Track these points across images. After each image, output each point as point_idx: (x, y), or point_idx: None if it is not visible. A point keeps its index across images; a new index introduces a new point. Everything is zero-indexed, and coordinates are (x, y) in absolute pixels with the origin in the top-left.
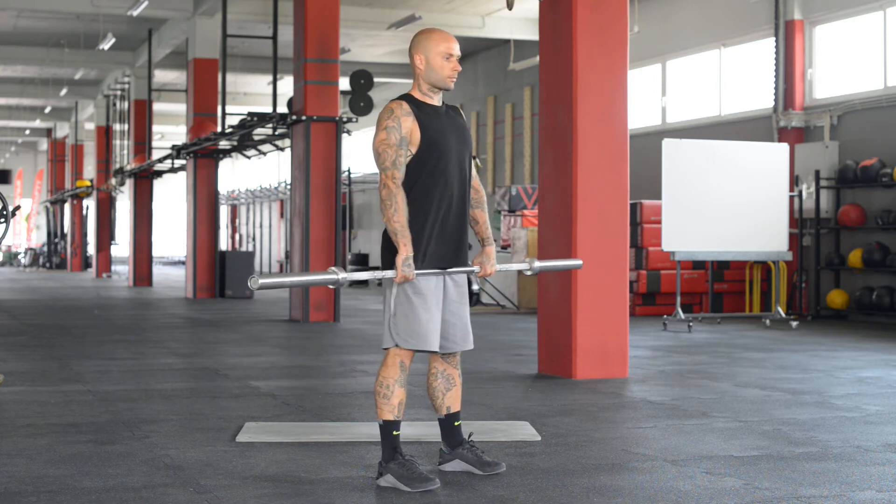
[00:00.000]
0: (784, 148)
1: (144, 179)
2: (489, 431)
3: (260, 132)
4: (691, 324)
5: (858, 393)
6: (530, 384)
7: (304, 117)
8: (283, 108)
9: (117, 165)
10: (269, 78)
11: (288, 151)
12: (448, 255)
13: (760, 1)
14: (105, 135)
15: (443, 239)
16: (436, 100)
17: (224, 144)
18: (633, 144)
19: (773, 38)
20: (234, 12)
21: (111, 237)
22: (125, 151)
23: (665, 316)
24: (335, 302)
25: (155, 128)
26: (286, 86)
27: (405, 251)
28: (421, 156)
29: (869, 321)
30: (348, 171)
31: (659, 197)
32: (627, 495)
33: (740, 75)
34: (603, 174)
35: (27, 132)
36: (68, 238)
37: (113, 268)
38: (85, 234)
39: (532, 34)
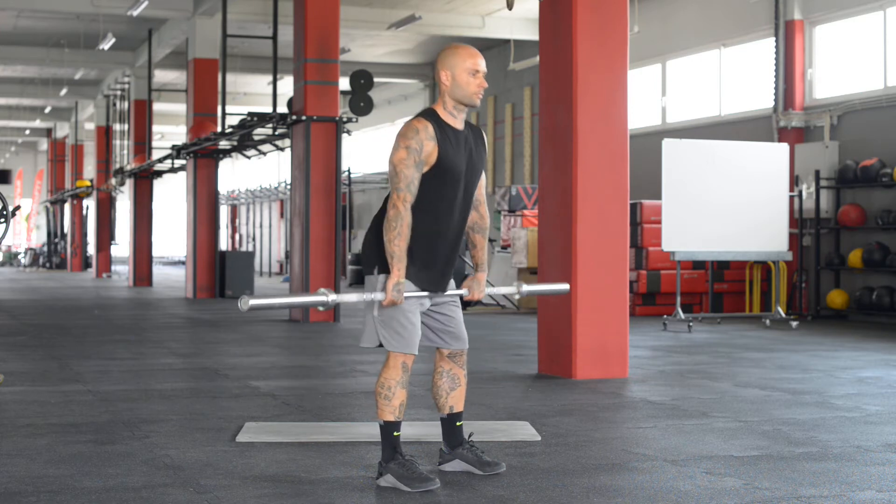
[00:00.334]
0: (784, 148)
1: (144, 179)
2: (489, 431)
3: (260, 132)
4: (691, 324)
5: (858, 393)
6: (530, 384)
7: (304, 117)
8: (283, 108)
9: (117, 165)
10: (269, 78)
11: (288, 151)
12: (434, 279)
13: (760, 1)
14: (105, 135)
15: (433, 263)
16: (459, 119)
17: (224, 144)
18: (633, 144)
19: (773, 38)
20: (234, 12)
21: (111, 237)
22: (125, 151)
23: (665, 316)
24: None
25: (155, 128)
26: (286, 86)
27: (397, 276)
28: (431, 178)
29: (869, 321)
30: (348, 171)
31: (659, 197)
32: (627, 495)
33: (740, 75)
34: (603, 174)
35: (27, 132)
36: (68, 238)
37: (113, 268)
38: (85, 234)
39: (532, 34)
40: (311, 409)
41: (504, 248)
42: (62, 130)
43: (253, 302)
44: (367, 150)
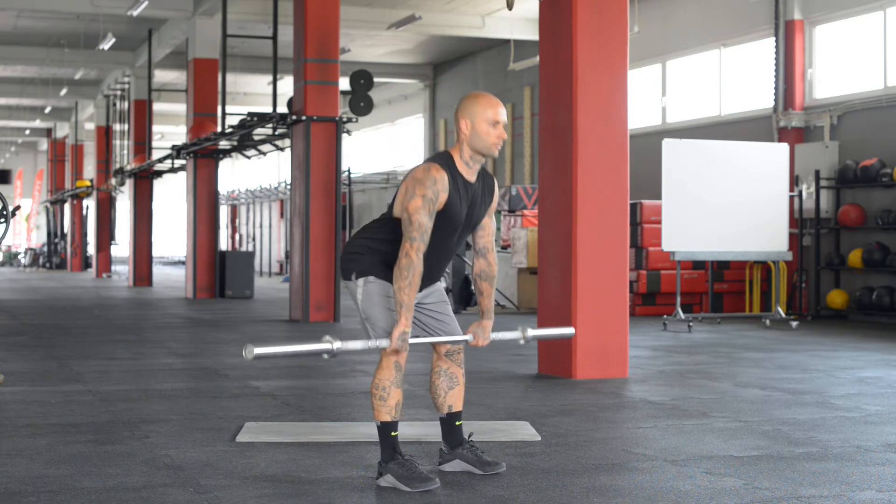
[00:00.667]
0: (784, 148)
1: (144, 179)
2: (489, 431)
3: (260, 132)
4: (691, 324)
5: (858, 393)
6: (530, 384)
7: (304, 117)
8: (283, 108)
9: (117, 165)
10: (269, 78)
11: (288, 151)
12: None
13: (760, 1)
14: (105, 135)
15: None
16: (473, 171)
17: (224, 144)
18: (633, 144)
19: (773, 38)
20: (234, 12)
21: (111, 237)
22: (125, 151)
23: (665, 316)
24: (335, 302)
25: (155, 128)
26: (286, 86)
27: (404, 325)
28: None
29: (869, 321)
30: (348, 171)
31: (659, 197)
32: (627, 495)
33: (740, 75)
34: (603, 174)
35: (27, 132)
36: (68, 238)
37: (113, 268)
38: (85, 234)
39: (532, 34)
40: (311, 409)
41: (504, 248)
42: (62, 130)
43: (258, 351)
44: (367, 150)
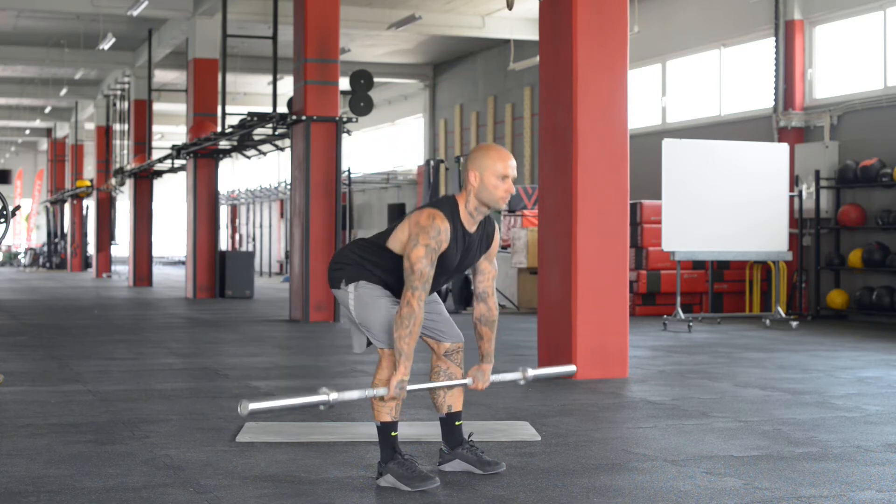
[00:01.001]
0: (784, 148)
1: (144, 179)
2: (489, 431)
3: (260, 132)
4: (691, 324)
5: (858, 393)
6: (530, 384)
7: (304, 117)
8: (283, 108)
9: (117, 165)
10: (269, 78)
11: (288, 151)
12: (398, 290)
13: (760, 1)
14: (105, 135)
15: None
16: (475, 221)
17: (224, 144)
18: (633, 144)
19: (773, 38)
20: (234, 12)
21: (111, 237)
22: (125, 151)
23: (665, 316)
24: (335, 302)
25: (155, 128)
26: (286, 86)
27: (403, 373)
28: None
29: (869, 321)
30: (348, 171)
31: (659, 197)
32: (627, 495)
33: (740, 75)
34: (603, 174)
35: (27, 132)
36: (68, 238)
37: (113, 268)
38: (85, 234)
39: (532, 34)
40: (311, 409)
41: (504, 248)
42: (62, 130)
43: (253, 406)
44: (367, 150)
